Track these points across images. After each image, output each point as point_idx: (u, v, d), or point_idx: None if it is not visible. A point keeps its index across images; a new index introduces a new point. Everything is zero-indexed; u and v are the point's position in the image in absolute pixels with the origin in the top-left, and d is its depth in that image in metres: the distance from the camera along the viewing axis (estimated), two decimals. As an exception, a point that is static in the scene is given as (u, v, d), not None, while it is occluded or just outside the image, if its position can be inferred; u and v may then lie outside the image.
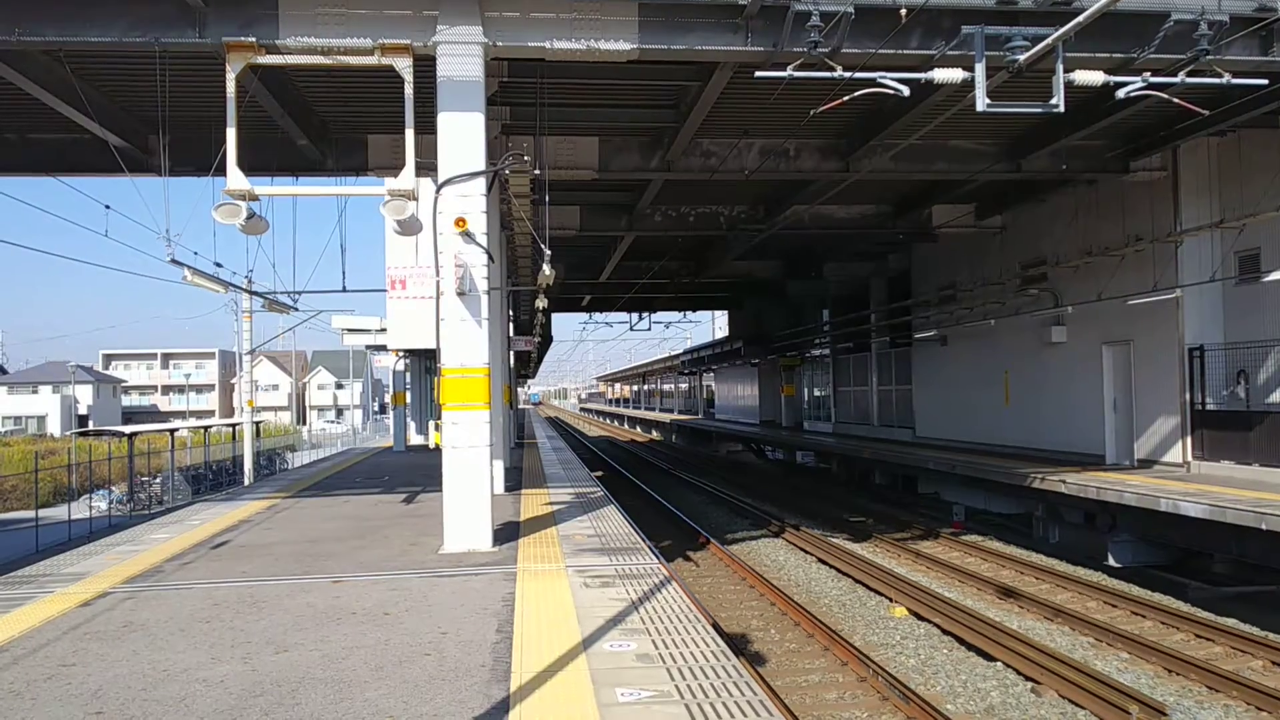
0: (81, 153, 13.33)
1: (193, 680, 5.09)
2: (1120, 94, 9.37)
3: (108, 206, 14.93)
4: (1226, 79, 9.44)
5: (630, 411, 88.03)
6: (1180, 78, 9.42)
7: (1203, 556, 13.38)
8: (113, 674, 5.24)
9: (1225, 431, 14.96)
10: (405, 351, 27.81)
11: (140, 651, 5.68)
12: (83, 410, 73.20)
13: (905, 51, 9.43)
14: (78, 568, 8.58)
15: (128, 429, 28.88)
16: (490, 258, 8.99)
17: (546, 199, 12.87)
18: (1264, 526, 11.01)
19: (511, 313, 25.20)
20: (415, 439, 29.89)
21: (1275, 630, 11.01)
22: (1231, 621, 11.38)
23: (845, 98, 9.32)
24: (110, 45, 9.07)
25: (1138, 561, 14.09)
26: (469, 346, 8.73)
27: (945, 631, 11.21)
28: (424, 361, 29.14)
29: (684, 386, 66.19)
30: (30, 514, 20.67)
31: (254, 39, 8.43)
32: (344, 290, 27.10)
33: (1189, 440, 15.57)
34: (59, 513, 22.32)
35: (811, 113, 10.16)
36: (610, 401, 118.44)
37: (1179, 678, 9.50)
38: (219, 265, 16.98)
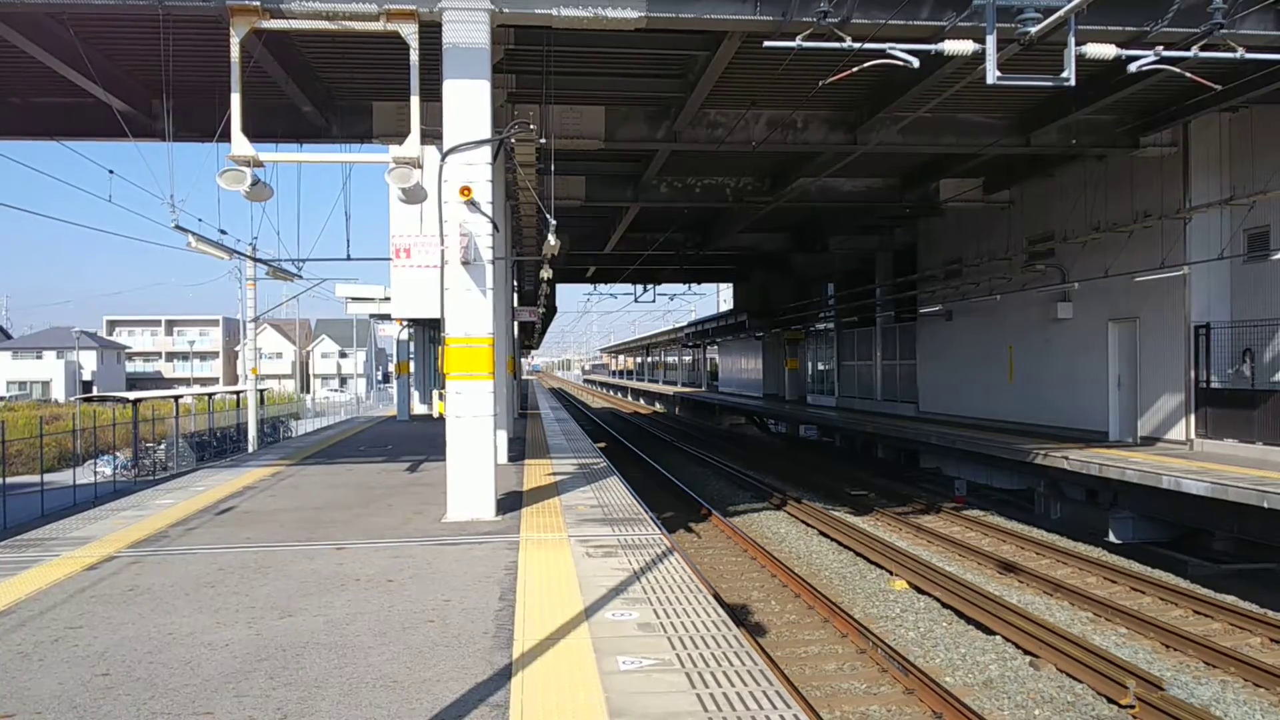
0: (85, 117, 13.28)
1: (198, 644, 5.14)
2: (1132, 68, 9.26)
3: (111, 171, 14.89)
4: (1240, 54, 9.32)
5: (634, 384, 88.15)
6: (1193, 52, 9.30)
7: (1203, 534, 13.41)
8: (119, 637, 5.29)
9: (1229, 410, 14.94)
10: (409, 320, 27.82)
11: (146, 615, 5.72)
12: (87, 376, 73.39)
13: (915, 22, 9.34)
14: (83, 532, 8.64)
15: (132, 395, 28.96)
16: (495, 227, 8.95)
17: (552, 168, 12.82)
18: (1265, 504, 11.03)
19: (516, 283, 25.17)
20: (419, 408, 29.98)
21: (1274, 608, 11.05)
22: (1230, 598, 11.43)
23: (854, 69, 9.23)
24: (113, 8, 9.00)
25: (1139, 538, 14.13)
26: (473, 316, 8.72)
27: (945, 605, 11.26)
28: (428, 331, 29.15)
29: (688, 359, 66.23)
30: (35, 479, 20.77)
31: (258, 3, 8.34)
32: (348, 258, 27.15)
33: (1192, 418, 15.56)
34: (64, 478, 22.43)
35: (820, 84, 10.09)
36: (614, 373, 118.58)
37: (1177, 653, 9.56)
38: (223, 232, 16.98)
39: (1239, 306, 15.25)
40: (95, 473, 23.75)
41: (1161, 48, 9.26)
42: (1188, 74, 9.73)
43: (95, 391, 57.58)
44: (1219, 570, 12.66)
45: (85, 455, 26.89)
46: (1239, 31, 9.61)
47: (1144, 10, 9.56)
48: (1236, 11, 9.39)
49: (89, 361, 75.77)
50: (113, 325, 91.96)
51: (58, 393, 69.86)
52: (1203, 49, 9.33)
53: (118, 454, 27.16)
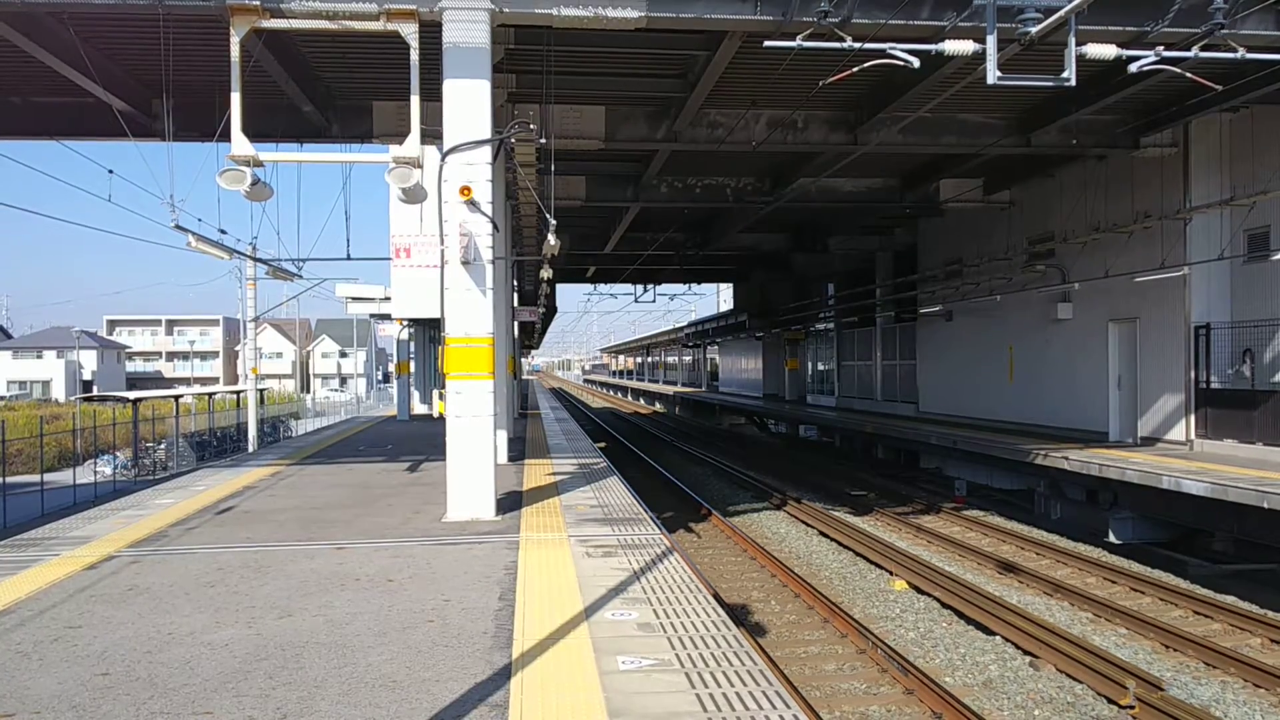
0: (85, 117, 13.28)
1: (197, 643, 5.13)
2: (1132, 68, 9.27)
3: (111, 171, 14.89)
4: (1241, 54, 9.32)
5: (634, 384, 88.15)
6: (1194, 52, 9.30)
7: (1203, 534, 13.41)
8: (118, 636, 5.29)
9: (1229, 410, 14.94)
10: (409, 320, 27.80)
11: (145, 614, 5.72)
12: (87, 376, 73.42)
13: (916, 22, 9.34)
14: (83, 531, 8.63)
15: (132, 395, 28.97)
16: (495, 227, 8.95)
17: (552, 168, 12.81)
18: (1265, 505, 11.03)
19: (516, 283, 25.16)
20: (419, 408, 29.97)
21: (1274, 608, 11.05)
22: (1230, 599, 11.42)
23: (854, 69, 9.23)
24: (114, 8, 9.01)
25: (1138, 538, 14.13)
26: (473, 316, 8.72)
27: (945, 605, 11.26)
28: (428, 330, 29.14)
29: (688, 359, 66.23)
30: (36, 478, 20.78)
31: (258, 2, 8.34)
32: (348, 258, 27.12)
33: (1192, 418, 15.56)
34: (64, 477, 22.45)
35: (820, 84, 10.09)
36: (614, 373, 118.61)
37: (1177, 653, 9.55)
38: (223, 232, 16.99)
39: (1239, 307, 15.24)
40: (95, 472, 23.76)
41: (1162, 48, 9.27)
42: (1188, 74, 9.73)
43: (95, 391, 57.59)
44: (1219, 571, 12.66)
45: (85, 455, 26.90)
46: (1240, 31, 9.61)
47: (1145, 10, 9.56)
48: (1237, 11, 9.39)
49: (89, 361, 75.78)
50: (113, 325, 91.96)
51: (58, 392, 69.88)
52: (1203, 49, 9.33)
53: (118, 454, 27.18)
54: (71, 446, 28.15)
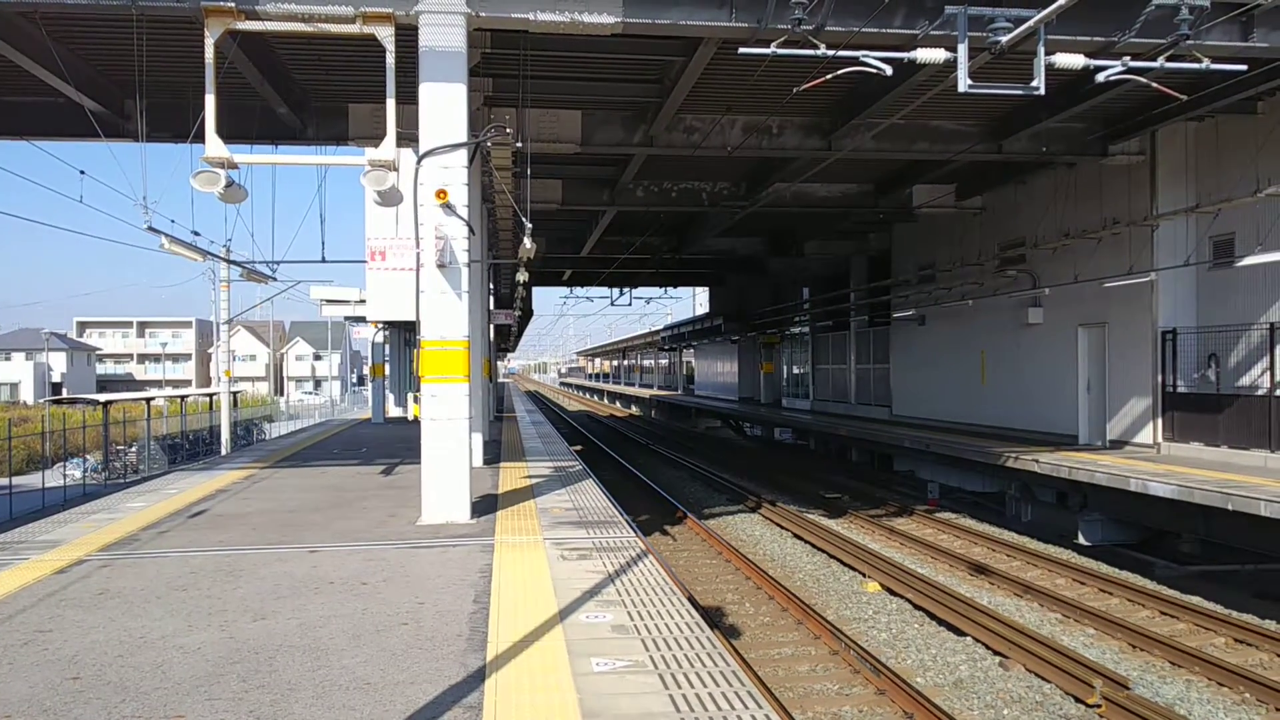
0: (57, 117, 13.14)
1: (169, 647, 5.12)
2: (1100, 77, 9.43)
3: (83, 172, 14.71)
4: (1206, 64, 9.50)
5: (610, 386, 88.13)
6: (1160, 62, 9.48)
7: (1170, 536, 13.61)
8: (89, 640, 5.26)
9: (1195, 414, 15.18)
10: (384, 323, 27.66)
11: (117, 618, 5.69)
12: (56, 378, 72.49)
13: (889, 30, 9.46)
14: (52, 535, 8.56)
15: (102, 397, 28.62)
16: (471, 230, 8.97)
17: (528, 172, 12.82)
18: (1230, 507, 11.22)
19: (492, 286, 25.13)
20: (394, 411, 29.83)
21: (1238, 608, 11.25)
22: (1196, 599, 11.61)
23: (828, 76, 9.33)
24: (87, 8, 8.93)
25: (1107, 540, 14.33)
26: (449, 319, 8.72)
27: (917, 607, 11.37)
28: (403, 333, 29.02)
29: (664, 362, 66.32)
30: (4, 481, 20.50)
31: (233, 4, 8.30)
32: (323, 261, 26.97)
33: (1160, 422, 15.79)
34: (33, 480, 22.15)
35: (794, 90, 10.16)
36: (590, 376, 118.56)
37: (1143, 653, 9.71)
38: (197, 234, 16.90)
39: (1204, 312, 15.49)
40: (65, 475, 23.46)
41: (1129, 58, 9.41)
42: (1154, 84, 9.92)
43: (65, 394, 56.86)
44: (1185, 572, 12.86)
45: (55, 458, 26.55)
46: (1205, 42, 9.78)
47: (1112, 21, 9.71)
48: (1202, 22, 9.55)
49: (58, 363, 74.80)
50: (83, 327, 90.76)
51: (26, 394, 68.89)
52: (1169, 60, 9.50)
53: (88, 457, 26.83)
54: (40, 449, 27.77)
